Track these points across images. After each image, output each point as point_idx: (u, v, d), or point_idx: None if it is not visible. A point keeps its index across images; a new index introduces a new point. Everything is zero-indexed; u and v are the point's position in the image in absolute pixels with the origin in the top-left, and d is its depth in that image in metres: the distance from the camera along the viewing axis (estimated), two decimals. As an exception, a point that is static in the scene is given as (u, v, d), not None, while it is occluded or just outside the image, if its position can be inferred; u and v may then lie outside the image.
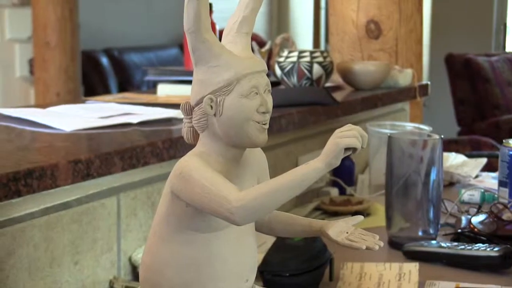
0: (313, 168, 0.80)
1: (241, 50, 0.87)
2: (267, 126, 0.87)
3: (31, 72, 4.44)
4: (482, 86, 5.55)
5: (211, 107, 0.85)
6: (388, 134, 1.65)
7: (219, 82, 0.84)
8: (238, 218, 0.79)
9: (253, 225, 0.91)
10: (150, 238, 0.87)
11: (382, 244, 0.88)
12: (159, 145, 1.40)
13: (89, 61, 5.07)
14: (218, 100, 0.84)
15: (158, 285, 0.86)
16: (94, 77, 5.13)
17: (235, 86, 0.84)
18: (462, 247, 1.51)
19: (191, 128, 0.89)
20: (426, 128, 2.08)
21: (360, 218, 0.92)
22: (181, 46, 5.17)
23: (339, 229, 0.89)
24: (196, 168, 0.81)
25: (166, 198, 0.85)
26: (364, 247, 0.86)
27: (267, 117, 0.86)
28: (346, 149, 0.82)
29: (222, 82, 0.84)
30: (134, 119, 1.60)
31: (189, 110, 0.88)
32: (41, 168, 1.18)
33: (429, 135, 1.68)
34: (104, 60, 5.26)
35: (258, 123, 0.85)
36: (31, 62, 4.42)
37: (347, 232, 0.89)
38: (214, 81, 0.84)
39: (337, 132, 0.82)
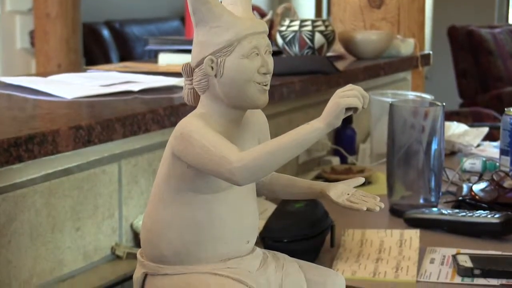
0: (314, 128, 0.80)
1: (242, 11, 0.86)
2: (268, 87, 0.86)
3: (32, 44, 4.42)
4: (484, 58, 5.53)
5: (212, 68, 0.84)
6: (390, 102, 1.64)
7: (219, 43, 0.84)
8: (239, 178, 0.79)
9: (254, 187, 0.90)
10: (150, 200, 0.87)
11: (383, 205, 0.88)
12: (160, 112, 1.40)
13: (90, 33, 5.05)
14: (219, 61, 0.84)
15: (158, 246, 0.86)
16: (95, 49, 5.12)
17: (236, 47, 0.84)
18: (463, 214, 1.51)
19: (192, 90, 0.88)
20: (428, 96, 2.08)
21: (361, 180, 0.92)
22: (183, 19, 5.14)
23: (340, 191, 0.89)
24: (196, 129, 0.81)
25: (166, 159, 0.85)
26: (364, 209, 0.86)
27: (268, 78, 0.86)
28: (347, 109, 0.81)
29: (223, 43, 0.84)
30: (135, 87, 1.60)
31: (189, 72, 0.87)
32: (42, 134, 1.18)
33: (431, 103, 1.67)
34: (105, 33, 5.24)
35: (259, 84, 0.85)
36: (31, 34, 4.41)
37: (348, 194, 0.89)
38: (214, 41, 0.84)
39: (338, 92, 0.82)
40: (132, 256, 1.38)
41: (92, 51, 5.05)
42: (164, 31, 5.51)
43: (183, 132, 0.82)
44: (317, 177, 1.89)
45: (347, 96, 0.81)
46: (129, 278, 1.29)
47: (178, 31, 5.41)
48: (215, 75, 0.85)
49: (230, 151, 0.79)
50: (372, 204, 0.87)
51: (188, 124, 0.82)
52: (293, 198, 0.96)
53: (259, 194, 0.93)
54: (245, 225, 0.87)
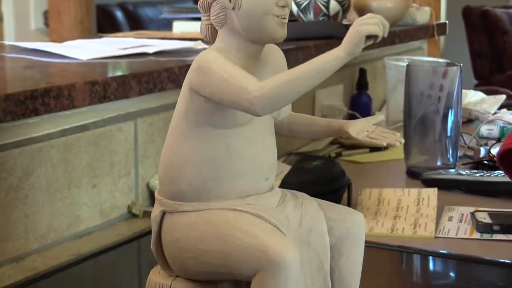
0: (334, 56, 0.79)
1: None
2: (286, 21, 0.85)
3: (46, 24, 4.42)
4: (499, 39, 5.48)
5: (230, 0, 0.83)
6: (407, 63, 1.63)
7: (237, -25, 0.83)
8: (259, 108, 0.78)
9: (272, 124, 0.89)
10: (168, 137, 0.87)
11: (403, 140, 0.87)
12: (175, 71, 1.40)
13: (104, 15, 5.06)
14: (236, -7, 0.83)
15: (177, 182, 0.85)
16: (109, 31, 5.08)
17: (254, -21, 0.83)
18: (481, 174, 1.50)
19: (210, 25, 0.87)
20: (443, 61, 2.06)
21: (380, 117, 0.91)
22: (196, 0, 5.13)
23: (359, 128, 0.88)
24: (214, 61, 0.80)
25: (184, 95, 0.84)
26: (385, 144, 0.85)
27: (286, 11, 0.85)
28: (368, 37, 0.80)
29: (241, -25, 0.83)
30: (151, 49, 1.59)
31: (207, 7, 0.86)
32: (58, 88, 1.17)
33: (448, 63, 1.66)
34: (119, 14, 5.24)
35: (277, 17, 0.84)
36: (45, 14, 4.41)
37: (367, 131, 0.88)
38: (232, -26, 0.83)
39: (359, 20, 0.81)
40: (148, 215, 1.37)
41: (106, 32, 5.03)
42: (177, 12, 5.49)
43: (201, 65, 0.81)
44: (333, 142, 1.89)
45: (367, 24, 0.80)
46: (146, 234, 1.29)
47: (191, 13, 5.39)
48: (233, 8, 0.84)
49: (249, 81, 0.78)
50: (392, 139, 0.86)
51: (206, 57, 0.81)
52: (312, 137, 0.96)
53: (277, 134, 0.92)
54: (264, 162, 0.86)
